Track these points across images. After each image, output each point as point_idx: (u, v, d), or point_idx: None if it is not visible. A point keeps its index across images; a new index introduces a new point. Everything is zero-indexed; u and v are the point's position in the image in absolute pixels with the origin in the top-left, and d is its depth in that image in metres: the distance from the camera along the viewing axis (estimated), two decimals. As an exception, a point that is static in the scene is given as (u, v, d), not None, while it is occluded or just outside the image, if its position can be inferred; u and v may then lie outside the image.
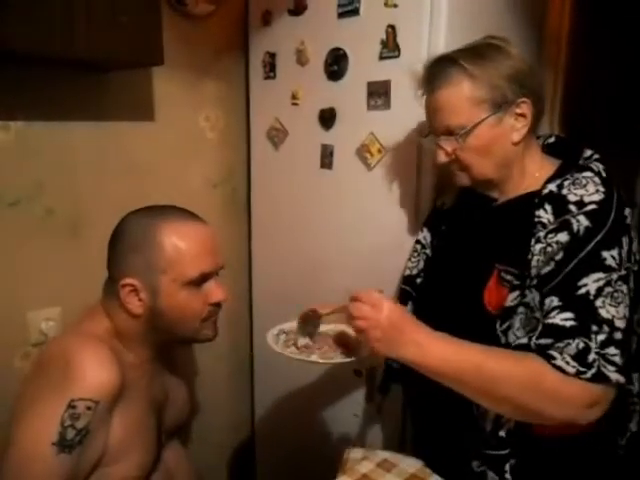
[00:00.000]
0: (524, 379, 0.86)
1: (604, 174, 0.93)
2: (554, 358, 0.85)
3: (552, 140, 1.09)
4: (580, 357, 0.84)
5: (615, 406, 0.89)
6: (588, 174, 0.92)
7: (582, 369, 0.83)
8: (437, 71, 0.98)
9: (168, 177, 1.60)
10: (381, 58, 1.30)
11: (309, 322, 1.07)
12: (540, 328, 0.88)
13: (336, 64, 1.40)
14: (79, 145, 1.41)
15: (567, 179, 0.93)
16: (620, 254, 0.87)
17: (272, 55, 1.59)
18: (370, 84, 1.34)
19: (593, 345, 0.84)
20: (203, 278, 1.00)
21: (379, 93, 1.32)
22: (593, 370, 0.83)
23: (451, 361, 0.89)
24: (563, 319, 0.86)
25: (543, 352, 0.86)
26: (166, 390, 1.13)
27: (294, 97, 1.54)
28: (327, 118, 1.46)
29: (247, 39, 1.67)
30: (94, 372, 0.89)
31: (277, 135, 1.62)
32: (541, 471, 0.97)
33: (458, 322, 1.01)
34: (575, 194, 0.90)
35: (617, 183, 0.93)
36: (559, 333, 0.86)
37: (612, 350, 0.84)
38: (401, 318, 0.91)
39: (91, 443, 0.90)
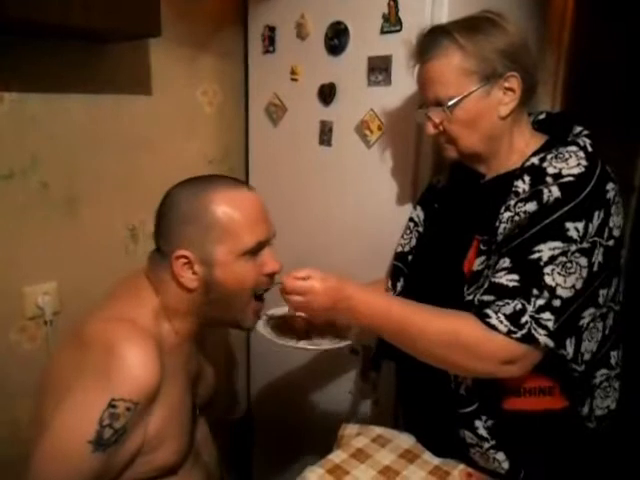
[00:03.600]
0: (443, 335, 0.91)
1: (590, 149, 0.92)
2: (489, 317, 0.88)
3: (542, 117, 1.09)
4: (514, 318, 0.87)
5: (581, 385, 0.94)
6: (573, 148, 0.92)
7: (513, 329, 0.86)
8: (429, 42, 0.98)
9: (165, 152, 1.59)
10: (382, 32, 1.28)
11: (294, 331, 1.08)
12: (486, 285, 0.91)
13: (337, 38, 1.38)
14: (75, 118, 1.39)
15: (550, 153, 0.93)
16: (586, 227, 0.87)
17: (272, 29, 1.56)
18: (371, 59, 1.32)
19: (530, 308, 0.86)
20: (259, 247, 0.97)
21: (380, 68, 1.30)
22: (523, 331, 0.86)
23: (376, 318, 0.97)
24: (508, 280, 0.89)
25: (479, 311, 0.90)
26: (201, 364, 1.12)
27: (293, 72, 1.52)
28: (327, 94, 1.44)
29: (246, 12, 1.64)
30: (138, 372, 0.84)
31: (276, 111, 1.60)
32: (512, 436, 0.98)
33: (441, 294, 1.02)
34: (555, 167, 0.91)
35: (607, 159, 0.93)
36: (501, 292, 0.89)
37: (547, 315, 0.86)
38: (334, 286, 0.97)
39: (128, 440, 0.87)
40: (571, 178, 0.88)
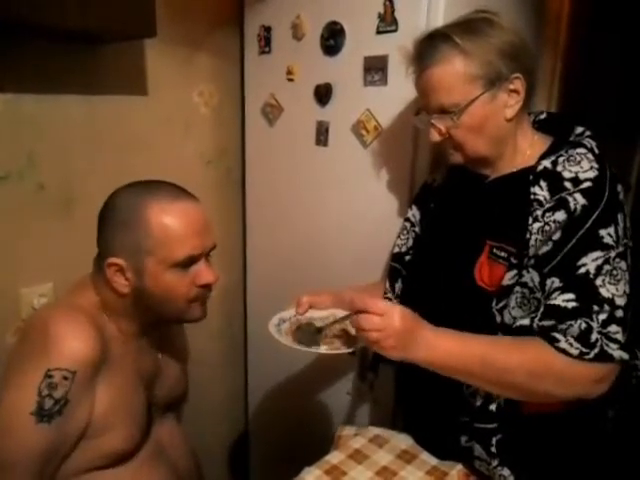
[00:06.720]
0: (530, 367, 0.87)
1: (597, 151, 0.92)
2: (557, 341, 0.86)
3: (543, 116, 1.08)
4: (583, 338, 0.84)
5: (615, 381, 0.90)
6: (582, 150, 0.92)
7: (585, 350, 0.84)
8: (428, 48, 0.95)
9: (161, 153, 1.58)
10: (378, 32, 1.28)
11: (305, 332, 1.04)
12: (542, 309, 0.89)
13: (332, 38, 1.38)
14: (70, 119, 1.38)
15: (561, 155, 0.92)
16: (616, 231, 0.87)
17: (267, 29, 1.56)
18: (367, 59, 1.31)
19: (595, 325, 0.85)
20: (190, 261, 0.97)
21: (376, 68, 1.30)
22: (596, 350, 0.84)
23: (457, 356, 0.89)
24: (565, 300, 0.86)
25: (546, 335, 0.87)
26: (159, 365, 1.13)
27: (289, 72, 1.52)
28: (323, 94, 1.44)
29: (242, 12, 1.64)
30: (71, 342, 0.88)
31: (272, 111, 1.60)
32: (526, 446, 0.97)
33: (450, 298, 1.01)
34: (570, 171, 0.90)
35: (609, 161, 0.93)
36: (561, 314, 0.86)
37: (614, 328, 0.85)
38: (412, 321, 0.89)
39: (73, 414, 0.90)
40: (590, 183, 0.88)
